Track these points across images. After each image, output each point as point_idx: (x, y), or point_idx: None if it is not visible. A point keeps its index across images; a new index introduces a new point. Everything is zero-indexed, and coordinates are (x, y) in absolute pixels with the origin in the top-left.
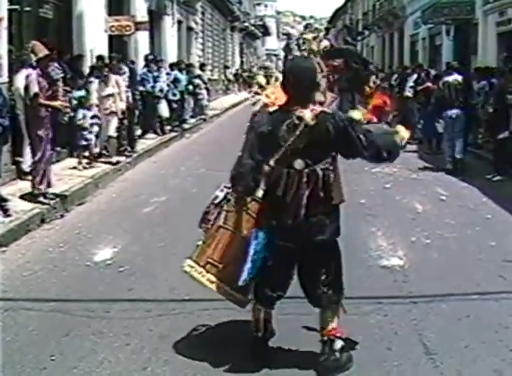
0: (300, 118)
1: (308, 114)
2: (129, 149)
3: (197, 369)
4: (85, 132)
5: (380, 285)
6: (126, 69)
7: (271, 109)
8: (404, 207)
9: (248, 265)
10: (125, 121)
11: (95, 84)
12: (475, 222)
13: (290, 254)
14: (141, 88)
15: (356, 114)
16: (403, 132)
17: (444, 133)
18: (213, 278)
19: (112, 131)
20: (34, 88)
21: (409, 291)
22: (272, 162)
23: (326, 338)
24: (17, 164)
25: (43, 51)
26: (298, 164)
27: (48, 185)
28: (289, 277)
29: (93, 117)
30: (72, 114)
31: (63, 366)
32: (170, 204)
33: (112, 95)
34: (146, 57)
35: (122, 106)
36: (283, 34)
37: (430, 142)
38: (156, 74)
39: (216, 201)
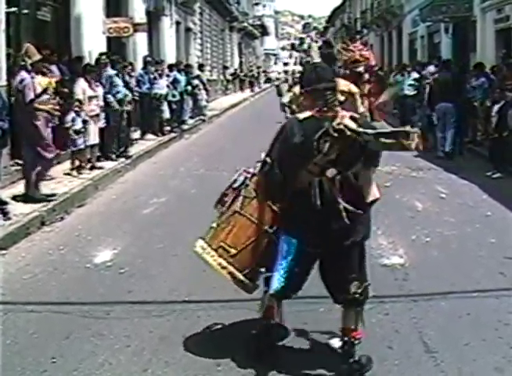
0: (337, 130)
1: (348, 122)
2: (120, 152)
3: (198, 370)
4: (76, 136)
5: (380, 284)
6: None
7: (301, 116)
8: (404, 205)
9: (280, 273)
10: (123, 123)
11: (80, 82)
12: (475, 219)
13: (315, 258)
14: (137, 90)
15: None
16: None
17: (437, 124)
18: (224, 263)
19: (95, 138)
20: (30, 94)
21: (410, 290)
22: (303, 170)
23: (347, 339)
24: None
25: (36, 55)
26: (330, 172)
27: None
28: (307, 277)
29: (84, 121)
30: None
31: (64, 369)
32: (169, 205)
33: (96, 96)
34: (144, 59)
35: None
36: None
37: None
38: (152, 76)
39: (235, 185)
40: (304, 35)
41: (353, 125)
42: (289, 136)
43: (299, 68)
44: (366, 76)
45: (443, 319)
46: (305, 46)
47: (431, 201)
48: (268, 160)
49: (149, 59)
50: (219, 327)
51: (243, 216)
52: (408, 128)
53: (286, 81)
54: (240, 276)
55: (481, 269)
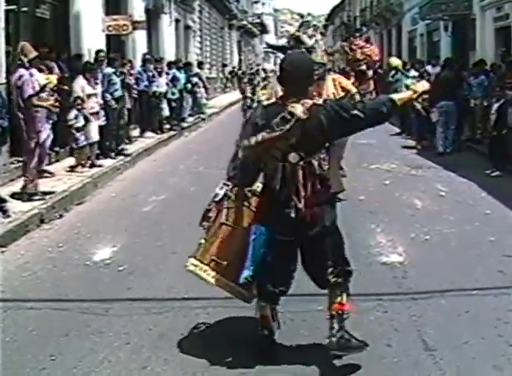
0: (291, 113)
1: (299, 109)
2: (118, 150)
3: (197, 368)
4: (78, 134)
5: (379, 282)
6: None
7: (265, 102)
8: (403, 203)
9: (248, 262)
10: (122, 121)
11: (79, 79)
12: (474, 217)
13: (290, 247)
14: (135, 88)
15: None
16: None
17: (438, 121)
18: (218, 276)
19: (95, 135)
20: (28, 90)
21: (409, 288)
22: (268, 156)
23: (334, 313)
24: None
25: (32, 52)
26: (293, 157)
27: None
28: (290, 271)
29: (86, 118)
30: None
31: (63, 366)
32: (168, 203)
33: (95, 94)
34: (143, 57)
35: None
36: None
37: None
38: (151, 73)
39: (217, 199)
40: (298, 33)
41: (299, 112)
42: (253, 120)
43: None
44: (370, 73)
45: (442, 317)
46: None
47: (431, 199)
48: (236, 146)
49: (148, 56)
50: (218, 324)
51: (228, 226)
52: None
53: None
54: (235, 286)
55: (481, 267)
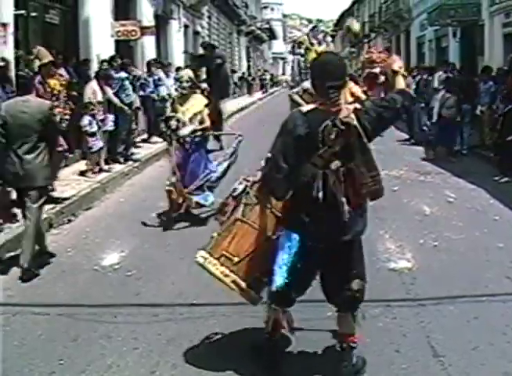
0: (345, 123)
1: (352, 117)
2: (127, 155)
3: (205, 373)
4: (92, 139)
5: (388, 288)
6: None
7: (304, 108)
8: (412, 209)
9: (282, 270)
10: (131, 127)
11: (92, 84)
12: (483, 223)
13: (319, 255)
14: (141, 93)
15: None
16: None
17: None
18: (227, 271)
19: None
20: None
21: (417, 294)
22: (306, 163)
23: (345, 345)
24: None
25: (47, 57)
26: (335, 165)
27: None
28: (313, 279)
29: (100, 120)
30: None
31: (72, 371)
32: None
33: (106, 100)
34: (148, 62)
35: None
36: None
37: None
38: (156, 77)
39: (235, 194)
40: (306, 37)
41: (354, 120)
42: (292, 129)
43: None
44: (382, 78)
45: (451, 323)
46: (303, 49)
47: (439, 205)
48: (271, 155)
49: (152, 61)
50: (226, 330)
51: (245, 223)
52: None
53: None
54: (243, 285)
55: (489, 274)
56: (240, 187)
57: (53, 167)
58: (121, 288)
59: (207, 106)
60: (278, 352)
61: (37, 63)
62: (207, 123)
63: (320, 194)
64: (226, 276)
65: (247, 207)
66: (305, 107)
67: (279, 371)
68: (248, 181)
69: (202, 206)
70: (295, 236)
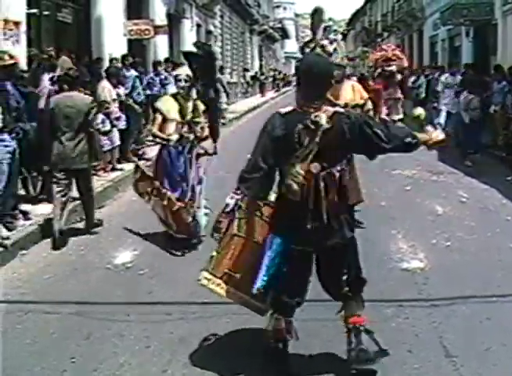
0: (315, 122)
1: (323, 118)
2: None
3: (217, 372)
4: (104, 138)
5: (400, 288)
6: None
7: (283, 110)
8: (424, 209)
9: (262, 272)
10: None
11: (104, 83)
12: (495, 223)
13: (306, 258)
14: (148, 92)
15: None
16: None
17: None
18: (231, 289)
19: (117, 139)
20: (41, 104)
21: (430, 294)
22: (286, 166)
23: (351, 326)
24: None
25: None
26: (314, 167)
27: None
28: (306, 283)
29: (115, 118)
30: None
31: (84, 369)
32: None
33: (118, 98)
34: (154, 62)
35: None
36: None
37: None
38: (163, 76)
39: (227, 209)
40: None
41: (324, 121)
42: (270, 130)
43: None
44: (399, 76)
45: (463, 323)
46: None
47: (452, 205)
48: (252, 157)
49: (158, 60)
50: (238, 330)
51: (241, 238)
52: None
53: None
54: (250, 299)
55: (502, 274)
56: (232, 202)
57: (94, 152)
58: (134, 287)
59: (205, 112)
60: (283, 358)
61: (57, 71)
62: (205, 132)
63: (298, 198)
64: (232, 293)
65: (241, 221)
66: (284, 109)
67: (289, 371)
68: (238, 194)
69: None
70: (277, 240)
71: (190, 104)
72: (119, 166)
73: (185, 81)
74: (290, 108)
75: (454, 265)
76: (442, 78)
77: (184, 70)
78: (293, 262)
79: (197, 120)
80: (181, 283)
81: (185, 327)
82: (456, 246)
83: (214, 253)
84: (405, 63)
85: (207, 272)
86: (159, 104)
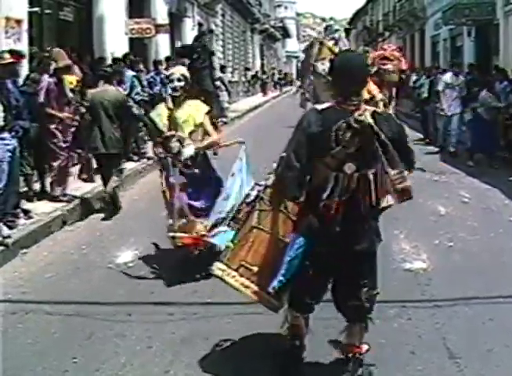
0: (359, 121)
1: (368, 117)
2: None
3: (219, 373)
4: None
5: (403, 288)
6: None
7: (320, 107)
8: (427, 209)
9: (281, 272)
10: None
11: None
12: (498, 224)
13: (331, 260)
14: (149, 92)
15: None
16: None
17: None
18: (247, 282)
19: None
20: (41, 98)
21: (433, 295)
22: (319, 164)
23: (350, 356)
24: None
25: (64, 61)
26: (349, 167)
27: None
28: (327, 284)
29: None
30: None
31: (85, 369)
32: None
33: None
34: (154, 61)
35: None
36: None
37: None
38: (163, 75)
39: (248, 200)
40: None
41: (369, 120)
42: (306, 126)
43: None
44: (395, 76)
45: (466, 324)
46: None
47: (454, 206)
48: (285, 154)
49: (159, 59)
50: (241, 330)
51: (261, 230)
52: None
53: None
54: (265, 295)
55: (505, 275)
56: (253, 193)
57: (127, 139)
58: (136, 286)
59: (208, 113)
60: (299, 357)
61: (53, 65)
62: (215, 136)
63: (328, 198)
64: (247, 287)
65: (262, 213)
66: (321, 105)
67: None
68: (260, 186)
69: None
70: (301, 241)
71: (183, 111)
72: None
73: (179, 80)
74: (326, 104)
75: (457, 265)
76: (444, 78)
77: (178, 70)
78: (317, 263)
79: (185, 131)
80: (183, 282)
81: (188, 328)
82: (459, 246)
83: (230, 244)
84: (404, 66)
85: (221, 262)
86: (153, 115)
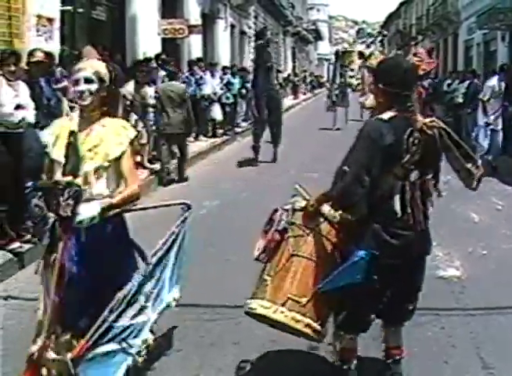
0: (430, 128)
1: (435, 124)
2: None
3: None
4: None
5: (436, 296)
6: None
7: (385, 116)
8: (459, 216)
9: (332, 278)
10: None
11: (129, 84)
12: None
13: (394, 271)
14: None
15: None
16: None
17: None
18: (298, 316)
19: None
20: (70, 95)
21: (466, 303)
22: (386, 175)
23: (397, 358)
24: None
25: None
26: (414, 175)
27: None
28: (384, 296)
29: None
30: None
31: None
32: (221, 208)
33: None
34: (189, 61)
35: None
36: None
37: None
38: (198, 76)
39: (280, 227)
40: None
41: (435, 130)
42: (379, 137)
43: None
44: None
45: (501, 334)
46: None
47: (487, 213)
48: (350, 169)
49: (194, 60)
50: (271, 336)
51: (302, 258)
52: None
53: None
54: (317, 326)
55: None
56: (283, 218)
57: (189, 122)
58: None
59: (132, 143)
60: None
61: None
62: (135, 187)
63: (398, 208)
64: (298, 321)
65: (297, 239)
66: (385, 115)
67: None
68: (287, 210)
69: None
70: (361, 253)
71: (92, 134)
72: (151, 166)
73: (88, 81)
74: (391, 113)
75: (491, 274)
76: (491, 84)
77: (90, 65)
78: (382, 276)
79: (87, 166)
80: (212, 285)
81: (217, 331)
82: (493, 255)
83: (267, 277)
84: (426, 66)
85: (261, 299)
86: (45, 134)
